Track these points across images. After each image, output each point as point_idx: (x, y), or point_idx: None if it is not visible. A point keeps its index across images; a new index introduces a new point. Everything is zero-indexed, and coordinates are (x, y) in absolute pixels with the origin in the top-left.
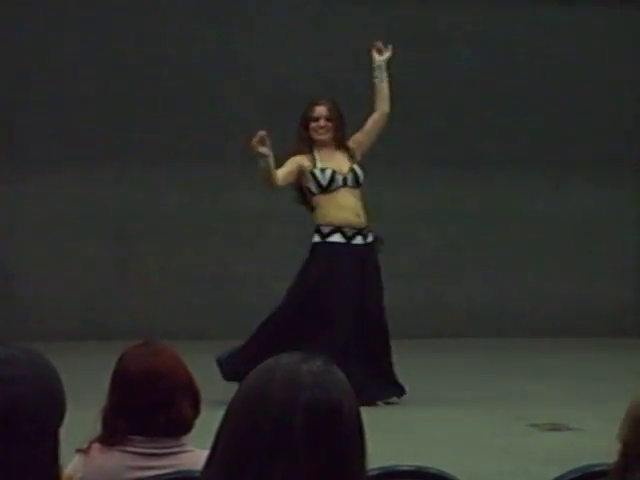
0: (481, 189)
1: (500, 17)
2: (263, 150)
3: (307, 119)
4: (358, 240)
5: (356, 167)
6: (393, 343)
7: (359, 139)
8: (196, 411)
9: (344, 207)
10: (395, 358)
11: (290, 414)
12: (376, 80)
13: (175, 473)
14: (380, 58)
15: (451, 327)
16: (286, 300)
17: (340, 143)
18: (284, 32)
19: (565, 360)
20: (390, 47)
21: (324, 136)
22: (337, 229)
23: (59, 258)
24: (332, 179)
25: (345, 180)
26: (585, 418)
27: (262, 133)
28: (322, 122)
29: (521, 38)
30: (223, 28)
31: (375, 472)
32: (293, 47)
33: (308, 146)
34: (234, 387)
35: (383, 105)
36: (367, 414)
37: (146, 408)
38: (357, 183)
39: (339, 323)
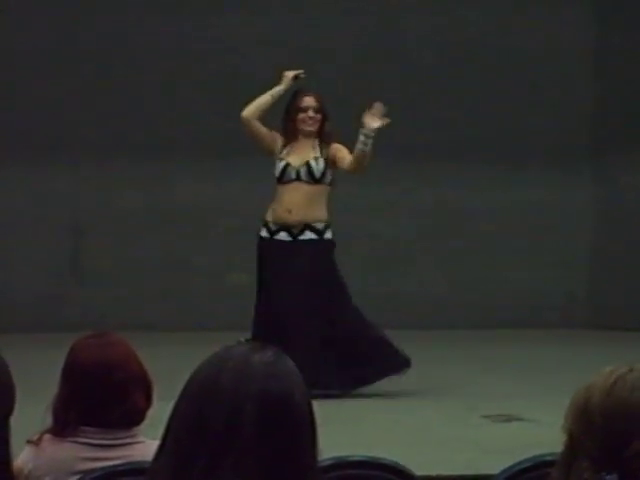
0: (432, 181)
1: (452, 6)
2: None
3: (295, 109)
4: (282, 236)
5: (312, 161)
6: None
7: (337, 156)
8: (148, 402)
9: (281, 200)
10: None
11: (241, 404)
12: (362, 146)
13: (126, 464)
14: (374, 126)
15: (403, 320)
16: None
17: (321, 136)
18: (235, 23)
19: (517, 352)
20: (385, 118)
21: (312, 127)
22: (265, 223)
23: (11, 251)
24: (283, 172)
25: (298, 174)
26: (537, 409)
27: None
28: (311, 113)
29: (472, 27)
30: (175, 18)
31: (328, 462)
32: (245, 38)
33: (293, 136)
34: (187, 378)
35: (355, 167)
36: (320, 406)
37: (97, 399)
38: (312, 178)
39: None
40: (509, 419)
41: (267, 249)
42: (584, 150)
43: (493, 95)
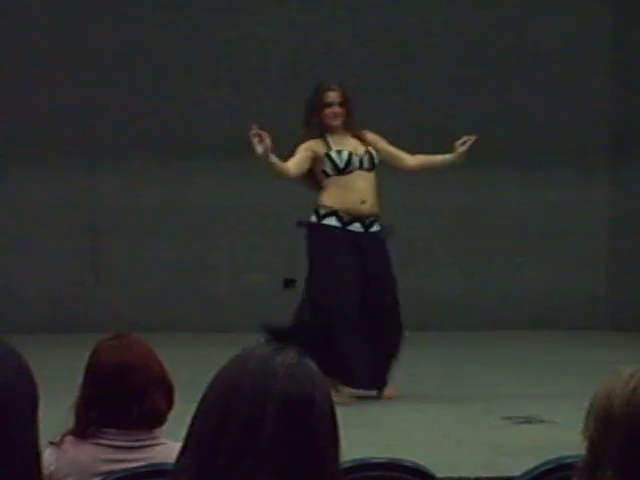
0: (450, 180)
1: (467, 5)
2: (258, 149)
3: (319, 105)
4: (355, 227)
5: (371, 149)
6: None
7: (378, 144)
8: (170, 404)
9: (352, 189)
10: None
11: (262, 406)
12: (439, 164)
13: (148, 466)
14: (462, 151)
15: (421, 320)
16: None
17: (350, 127)
18: (252, 20)
19: (536, 353)
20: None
21: (337, 122)
22: (333, 212)
23: (29, 251)
24: (349, 161)
25: (361, 162)
26: (557, 410)
27: (256, 132)
28: (336, 109)
29: (488, 26)
30: (196, 18)
31: (348, 464)
32: (270, 40)
33: (319, 132)
34: (208, 379)
35: (418, 166)
36: (339, 408)
37: (119, 401)
38: (372, 165)
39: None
40: (529, 421)
41: (340, 239)
42: (601, 150)
43: (509, 95)
